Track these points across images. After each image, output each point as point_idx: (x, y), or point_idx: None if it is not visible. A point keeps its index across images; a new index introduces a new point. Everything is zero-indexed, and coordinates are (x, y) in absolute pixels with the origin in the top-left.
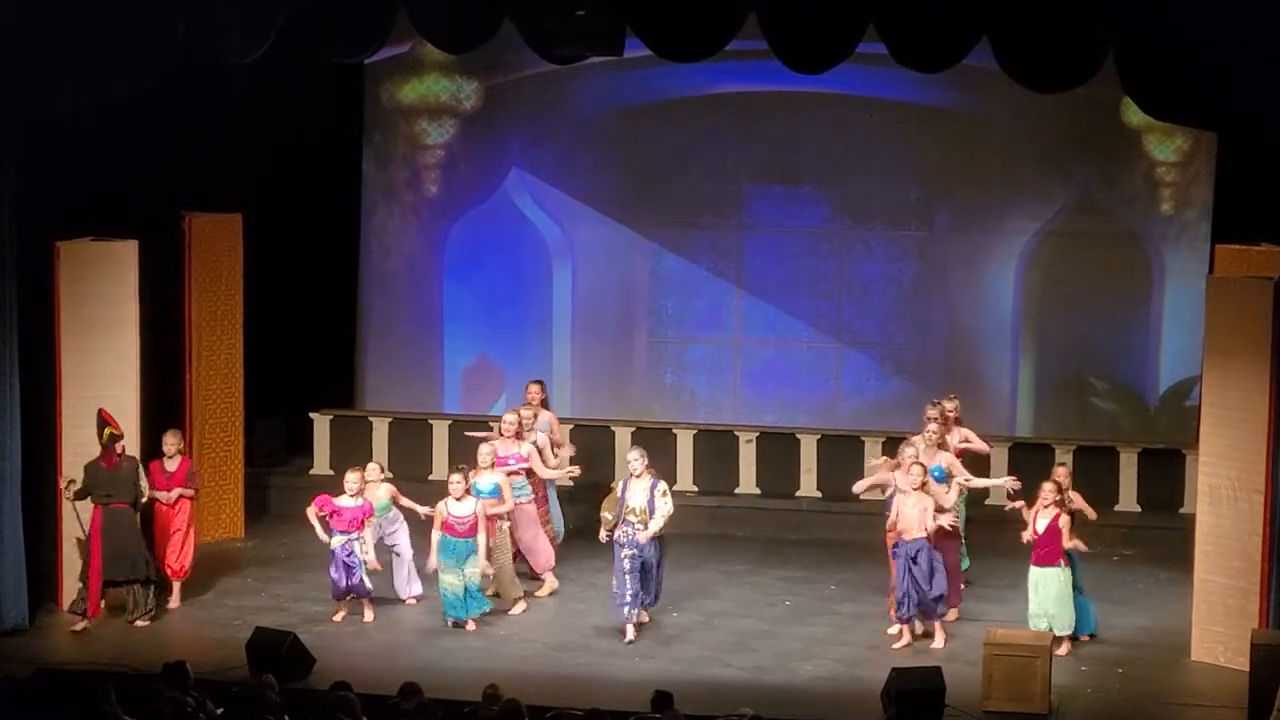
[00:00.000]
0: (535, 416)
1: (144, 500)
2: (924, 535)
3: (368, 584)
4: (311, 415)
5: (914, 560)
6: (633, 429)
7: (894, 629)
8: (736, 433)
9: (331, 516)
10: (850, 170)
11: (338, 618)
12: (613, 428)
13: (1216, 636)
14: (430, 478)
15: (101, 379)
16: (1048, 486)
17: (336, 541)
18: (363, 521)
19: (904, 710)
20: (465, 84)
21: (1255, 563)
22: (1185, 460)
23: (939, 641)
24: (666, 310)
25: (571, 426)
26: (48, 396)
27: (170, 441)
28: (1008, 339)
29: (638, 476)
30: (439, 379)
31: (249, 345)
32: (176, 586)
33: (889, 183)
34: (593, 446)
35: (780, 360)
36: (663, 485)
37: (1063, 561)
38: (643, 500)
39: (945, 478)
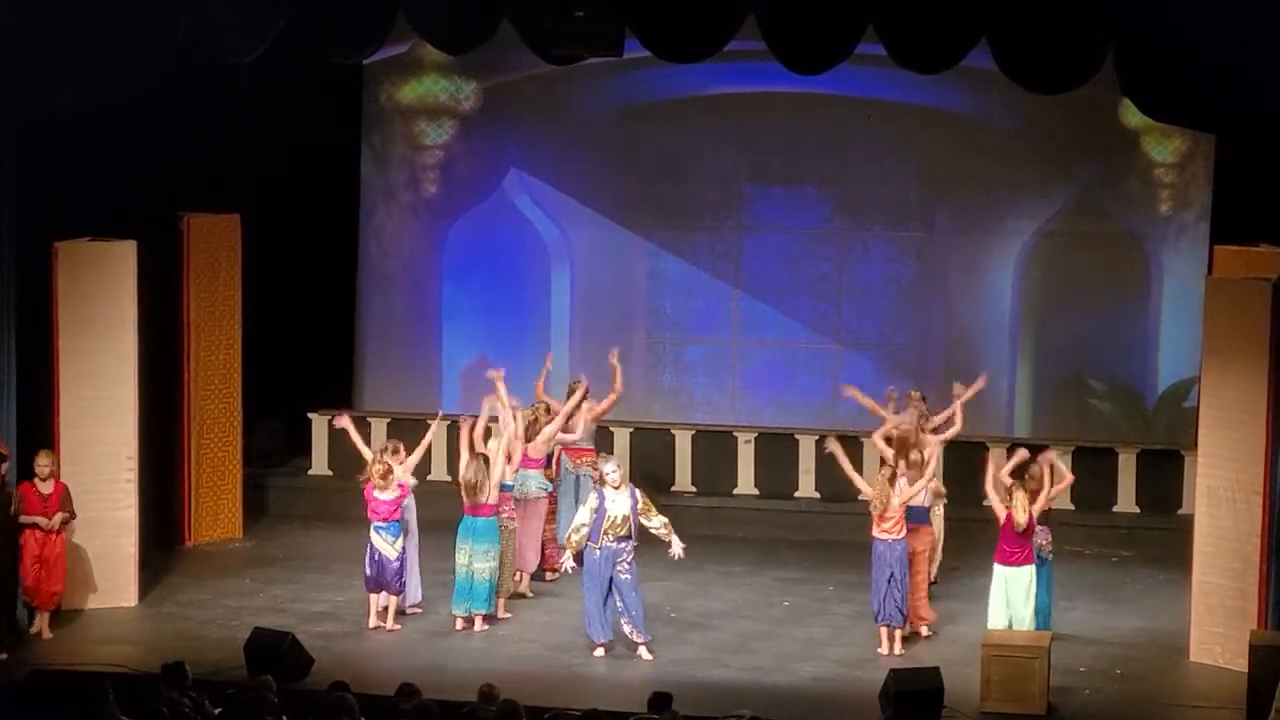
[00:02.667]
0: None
1: (12, 526)
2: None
3: (400, 584)
4: (310, 416)
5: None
6: (631, 430)
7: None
8: (735, 433)
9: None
10: (849, 171)
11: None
12: (611, 428)
13: (1215, 637)
14: (429, 478)
15: (100, 379)
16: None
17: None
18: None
19: (902, 711)
20: (464, 84)
21: (1254, 564)
22: (1184, 461)
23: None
24: (665, 311)
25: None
26: (45, 397)
27: (43, 463)
28: (1006, 340)
29: (617, 488)
30: (437, 379)
31: (247, 345)
32: (45, 617)
33: (888, 184)
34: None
35: (779, 361)
36: (639, 494)
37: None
38: (625, 509)
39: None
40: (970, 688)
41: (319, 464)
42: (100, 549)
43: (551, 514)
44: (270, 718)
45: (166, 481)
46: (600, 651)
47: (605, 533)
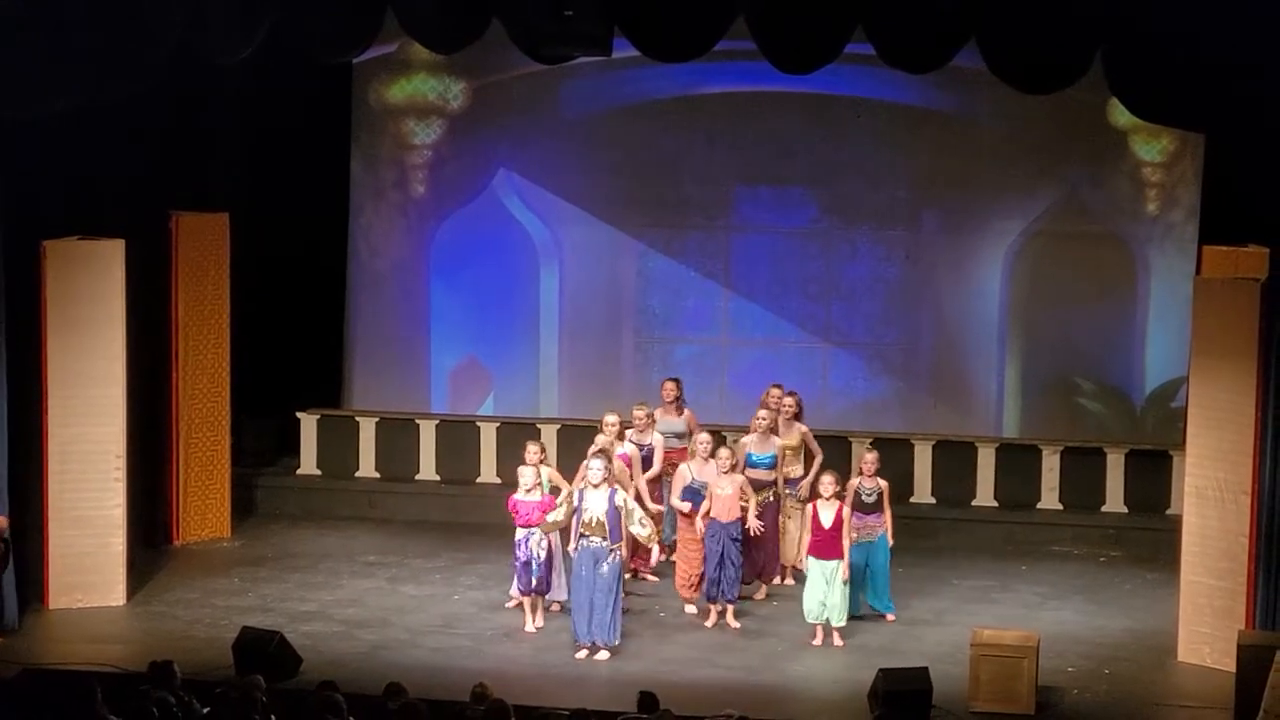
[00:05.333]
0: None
1: None
2: (739, 518)
3: (546, 583)
4: (299, 415)
5: (733, 540)
6: None
7: (693, 609)
8: (724, 433)
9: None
10: (838, 171)
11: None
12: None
13: (1203, 638)
14: (417, 477)
15: (88, 378)
16: (826, 479)
17: (520, 535)
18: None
19: (891, 711)
20: (453, 84)
21: (1242, 564)
22: (1172, 461)
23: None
24: (654, 311)
25: (558, 426)
26: (34, 396)
27: None
28: (994, 339)
29: (596, 486)
30: (426, 379)
31: (236, 345)
32: None
33: (877, 184)
34: (579, 448)
35: (768, 360)
36: (621, 494)
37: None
38: (602, 510)
39: (775, 463)
40: (959, 687)
41: (307, 463)
42: (88, 548)
43: (658, 514)
44: (259, 717)
45: (155, 480)
46: (582, 654)
47: (582, 532)
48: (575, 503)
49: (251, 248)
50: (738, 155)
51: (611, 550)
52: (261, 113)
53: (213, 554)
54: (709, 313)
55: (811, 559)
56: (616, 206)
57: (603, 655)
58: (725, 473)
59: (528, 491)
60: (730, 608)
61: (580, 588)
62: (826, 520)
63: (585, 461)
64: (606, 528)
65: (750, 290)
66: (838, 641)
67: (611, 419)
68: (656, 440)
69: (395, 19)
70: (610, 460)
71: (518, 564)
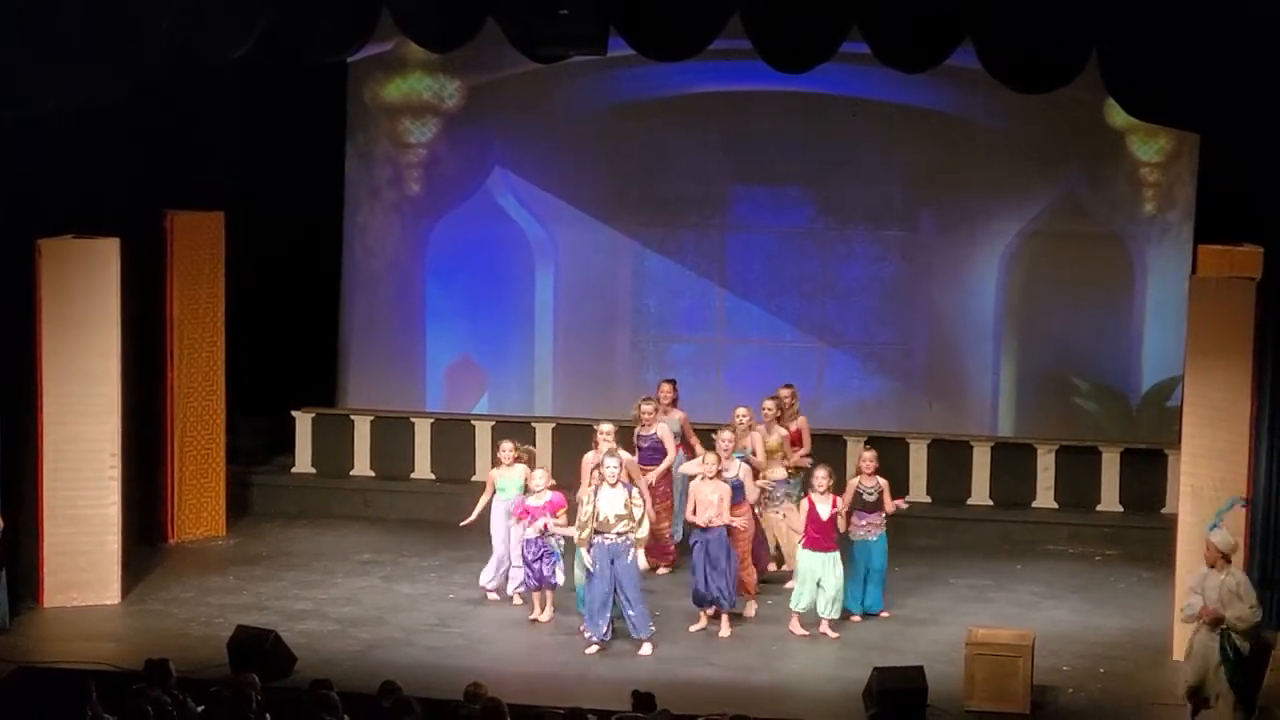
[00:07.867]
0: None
1: None
2: (721, 524)
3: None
4: (294, 413)
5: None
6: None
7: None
8: (719, 432)
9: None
10: (834, 171)
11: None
12: (594, 427)
13: None
14: (412, 476)
15: (83, 377)
16: (820, 474)
17: (531, 533)
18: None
19: (886, 710)
20: (448, 82)
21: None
22: (1167, 460)
23: (725, 630)
24: (649, 310)
25: (552, 425)
26: (29, 395)
27: None
28: (990, 339)
29: (613, 485)
30: (421, 378)
31: (231, 343)
32: None
33: (872, 183)
34: (574, 447)
35: (763, 360)
36: (635, 492)
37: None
38: (619, 507)
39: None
40: (954, 686)
41: (302, 462)
42: (83, 546)
43: (668, 509)
44: (253, 716)
45: (150, 479)
46: (594, 649)
47: (599, 529)
48: (591, 503)
49: (246, 246)
50: (733, 155)
51: (628, 544)
52: (257, 111)
53: (208, 552)
54: (704, 312)
55: (805, 551)
56: (612, 205)
57: (646, 649)
58: (710, 478)
59: (537, 494)
60: (725, 614)
61: (597, 585)
62: (824, 513)
63: (586, 456)
64: (623, 523)
65: (746, 290)
66: (831, 634)
67: (606, 427)
68: (662, 430)
69: (390, 18)
70: (622, 460)
71: (547, 560)
